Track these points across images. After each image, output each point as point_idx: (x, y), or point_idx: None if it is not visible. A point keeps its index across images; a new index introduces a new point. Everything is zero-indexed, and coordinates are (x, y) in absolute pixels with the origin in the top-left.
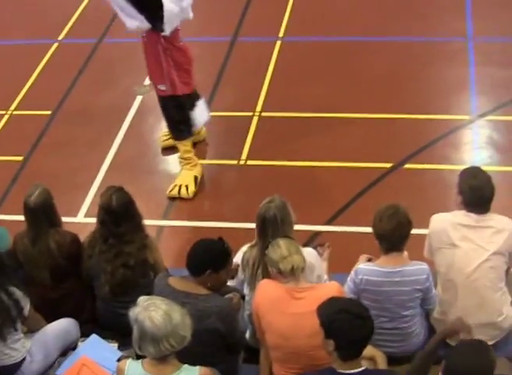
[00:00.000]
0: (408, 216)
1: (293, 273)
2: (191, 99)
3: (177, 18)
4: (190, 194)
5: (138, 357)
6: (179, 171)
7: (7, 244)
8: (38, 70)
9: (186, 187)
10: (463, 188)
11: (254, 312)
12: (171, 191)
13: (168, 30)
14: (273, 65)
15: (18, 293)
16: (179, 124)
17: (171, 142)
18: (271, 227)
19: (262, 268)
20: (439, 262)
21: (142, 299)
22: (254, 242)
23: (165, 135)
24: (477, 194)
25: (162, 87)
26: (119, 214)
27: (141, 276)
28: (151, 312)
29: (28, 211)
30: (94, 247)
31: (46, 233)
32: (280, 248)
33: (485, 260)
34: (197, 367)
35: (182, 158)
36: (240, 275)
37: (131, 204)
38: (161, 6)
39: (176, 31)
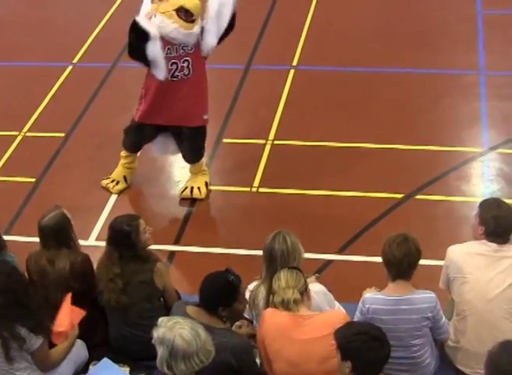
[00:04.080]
0: (418, 245)
1: (285, 307)
2: None
3: None
4: (203, 195)
5: None
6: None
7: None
8: (52, 93)
9: (199, 188)
10: (485, 218)
11: (259, 342)
12: (182, 192)
13: None
14: (286, 93)
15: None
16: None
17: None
18: (279, 263)
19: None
20: (455, 292)
21: (164, 320)
22: (262, 279)
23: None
24: (501, 223)
25: (206, 116)
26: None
27: (146, 301)
28: (178, 329)
29: (39, 231)
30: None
31: (62, 255)
32: (279, 280)
33: (502, 291)
34: None
35: (199, 173)
36: (249, 314)
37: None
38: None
39: None
